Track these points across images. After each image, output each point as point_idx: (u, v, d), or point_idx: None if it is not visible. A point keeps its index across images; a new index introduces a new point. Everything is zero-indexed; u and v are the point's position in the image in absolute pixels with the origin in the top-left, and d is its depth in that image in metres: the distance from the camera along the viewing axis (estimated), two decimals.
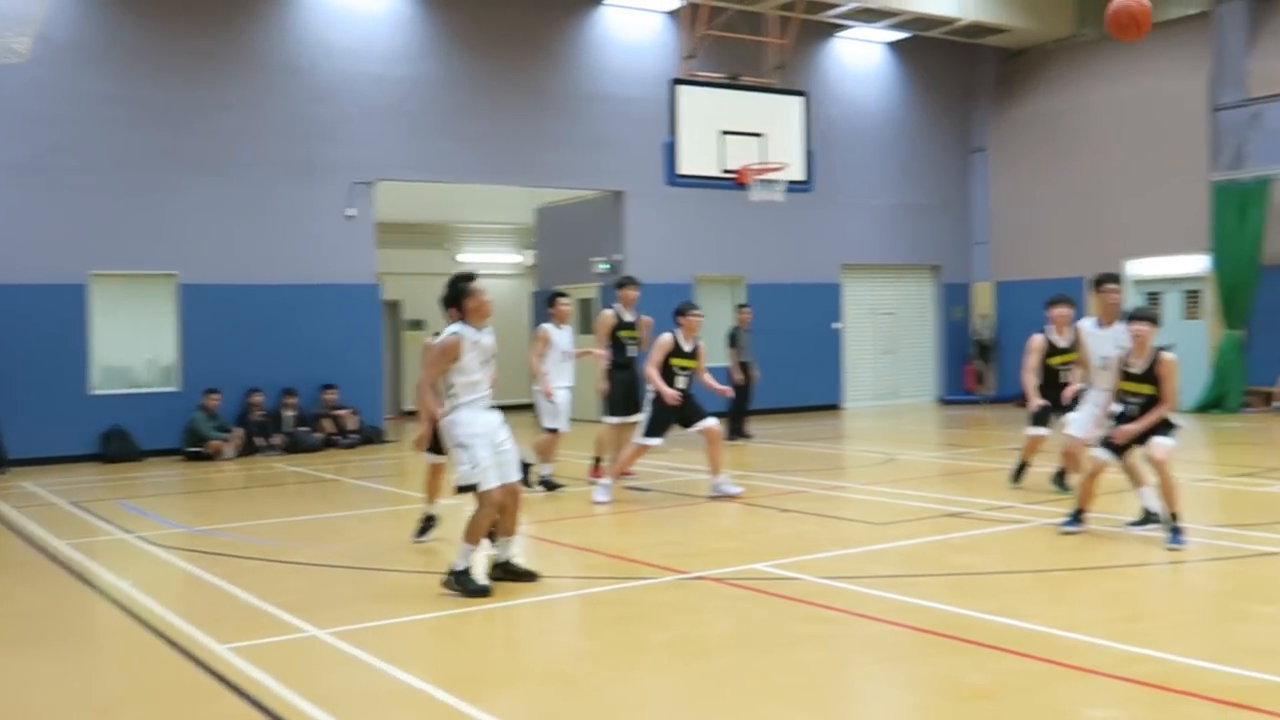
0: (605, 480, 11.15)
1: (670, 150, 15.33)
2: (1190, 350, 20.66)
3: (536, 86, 19.70)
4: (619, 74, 20.40)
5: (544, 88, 19.79)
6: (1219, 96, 20.64)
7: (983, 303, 24.57)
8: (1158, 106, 21.53)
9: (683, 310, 11.30)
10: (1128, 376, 8.49)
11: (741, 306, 17.75)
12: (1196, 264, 20.86)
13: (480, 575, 7.27)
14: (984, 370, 24.41)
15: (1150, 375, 8.37)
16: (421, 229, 24.12)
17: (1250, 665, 5.41)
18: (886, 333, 24.09)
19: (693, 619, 6.75)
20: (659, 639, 6.33)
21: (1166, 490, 8.28)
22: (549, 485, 11.66)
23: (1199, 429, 17.54)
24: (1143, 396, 8.39)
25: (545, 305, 12.32)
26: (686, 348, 11.11)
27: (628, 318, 12.16)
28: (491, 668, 6.01)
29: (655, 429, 11.09)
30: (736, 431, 16.97)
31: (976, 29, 22.40)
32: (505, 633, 6.79)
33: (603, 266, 20.83)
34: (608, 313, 12.36)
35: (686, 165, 15.38)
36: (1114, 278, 10.10)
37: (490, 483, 7.14)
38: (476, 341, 7.28)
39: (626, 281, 12.42)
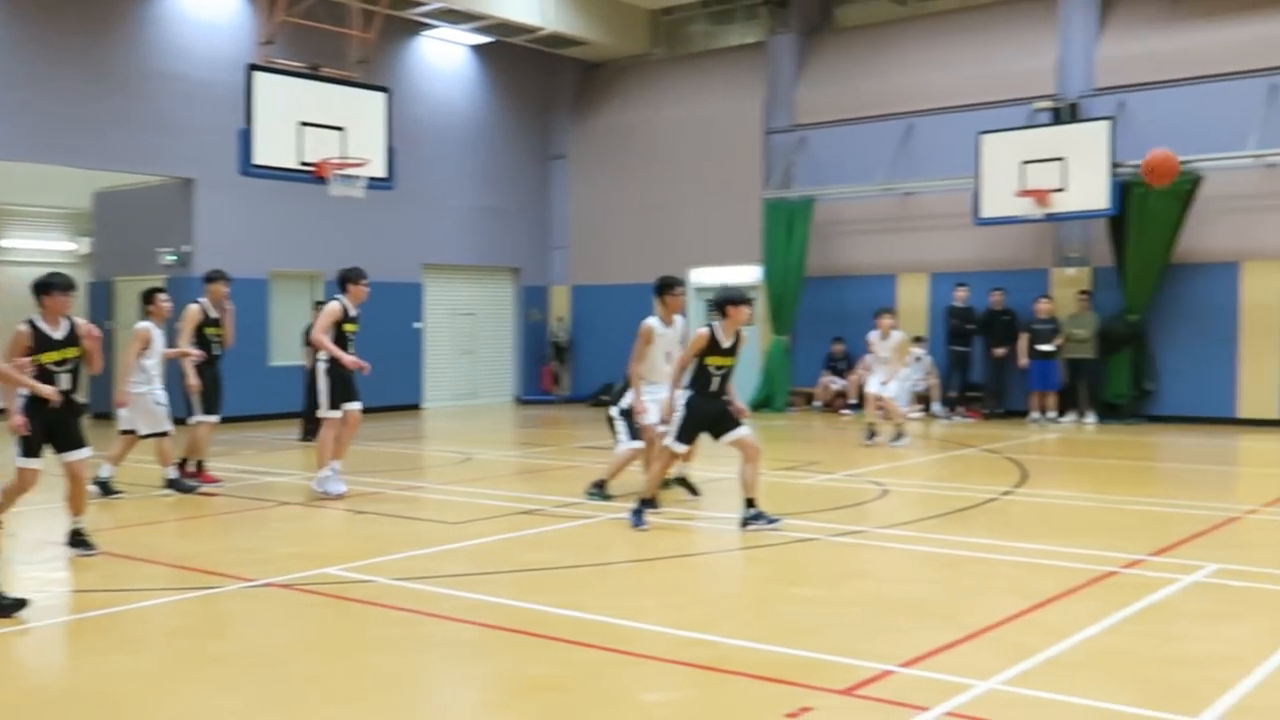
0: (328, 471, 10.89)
1: (245, 138, 14.64)
2: (746, 354, 22.31)
3: (95, 58, 18.18)
4: (190, 54, 19.26)
5: (104, 61, 18.30)
6: (771, 121, 22.47)
7: (560, 306, 25.34)
8: (719, 127, 23.11)
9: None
10: (720, 352, 9.18)
11: (319, 304, 17.27)
12: (750, 274, 22.59)
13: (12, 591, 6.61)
14: (560, 371, 25.18)
15: (735, 348, 9.26)
16: None
17: (790, 643, 5.90)
18: (467, 333, 24.30)
19: (258, 628, 6.49)
20: (220, 651, 6.03)
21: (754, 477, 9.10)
22: (106, 489, 10.82)
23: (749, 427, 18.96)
24: (727, 368, 9.29)
25: (143, 300, 11.41)
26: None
27: (213, 314, 11.78)
28: (23, 696, 5.47)
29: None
30: (314, 432, 16.52)
31: (557, 39, 23.11)
32: (41, 659, 6.22)
33: (170, 258, 19.58)
34: (193, 308, 11.86)
35: (262, 155, 14.75)
36: (680, 282, 10.64)
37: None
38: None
39: (216, 276, 11.94)
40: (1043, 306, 18.72)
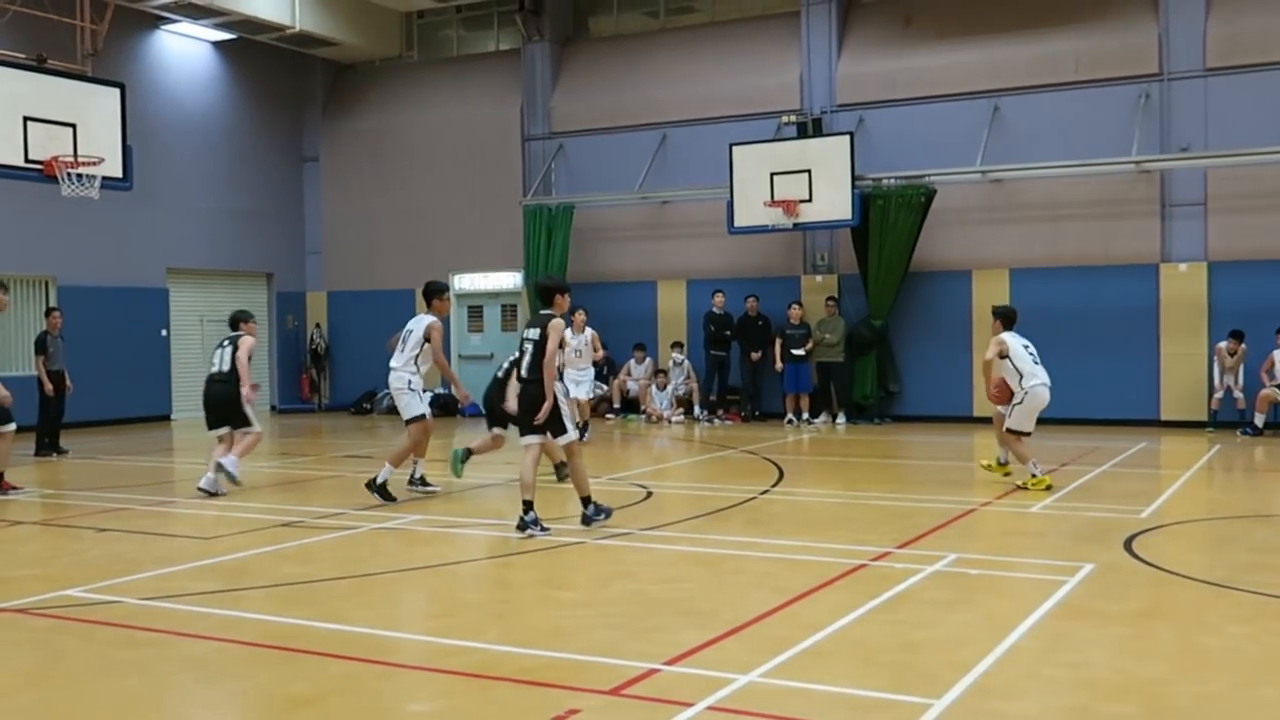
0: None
1: None
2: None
3: None
4: None
5: None
6: (529, 128, 22.55)
7: (317, 312, 24.66)
8: (479, 132, 23.03)
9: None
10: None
11: (51, 310, 16.24)
12: (511, 280, 22.61)
13: None
14: (319, 379, 24.50)
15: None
16: None
17: (555, 647, 5.94)
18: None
19: None
20: None
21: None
22: None
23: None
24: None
25: None
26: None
27: None
28: None
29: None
30: (51, 446, 15.54)
31: (306, 38, 22.47)
32: None
33: None
34: None
35: None
36: (445, 288, 11.31)
37: None
38: None
39: None
40: (794, 312, 19.48)
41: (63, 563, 8.60)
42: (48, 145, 14.27)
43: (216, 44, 22.86)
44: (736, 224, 19.52)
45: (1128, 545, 8.44)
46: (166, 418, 21.71)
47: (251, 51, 23.04)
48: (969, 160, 18.48)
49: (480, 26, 24.45)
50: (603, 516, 9.41)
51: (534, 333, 9.33)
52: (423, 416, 11.19)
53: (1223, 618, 6.46)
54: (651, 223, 21.56)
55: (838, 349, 19.23)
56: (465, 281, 23.27)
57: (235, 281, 23.64)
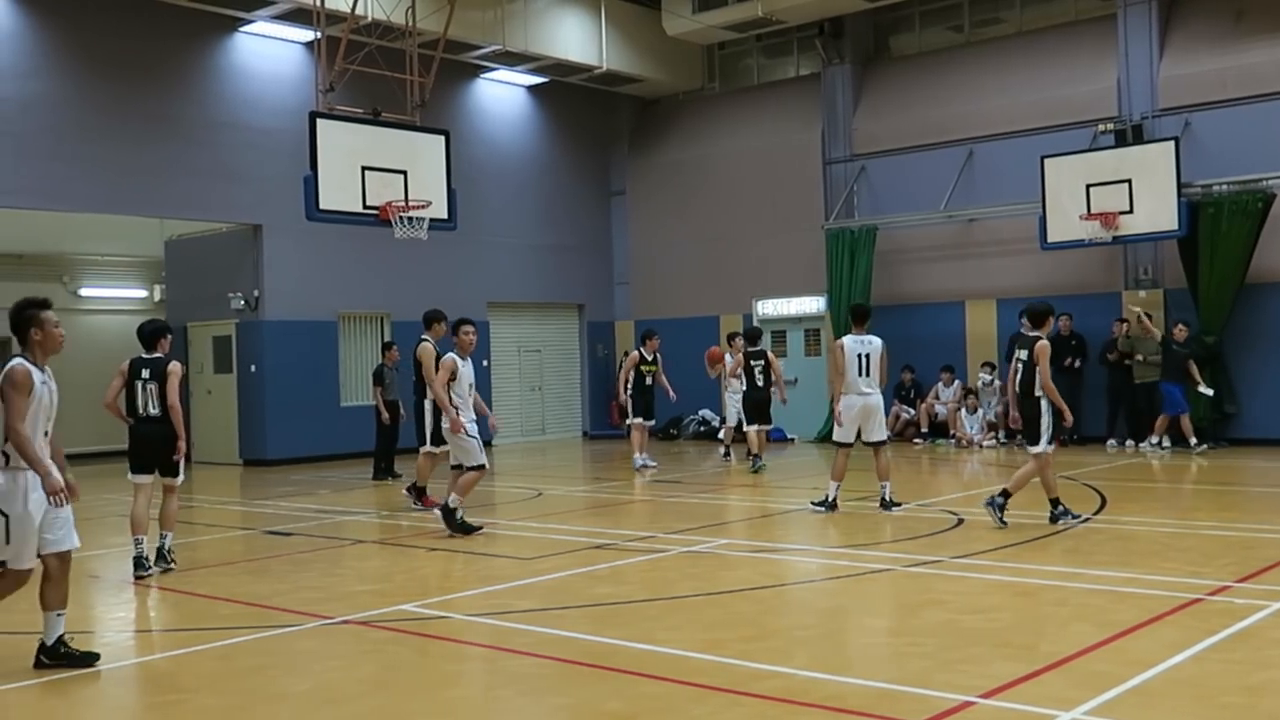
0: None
1: (310, 184, 14.92)
2: (812, 385, 22.24)
3: (164, 111, 18.69)
4: (255, 103, 19.72)
5: (173, 113, 18.80)
6: (830, 151, 22.45)
7: (625, 340, 25.41)
8: (778, 158, 23.13)
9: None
10: None
11: (389, 345, 17.47)
12: (815, 304, 22.53)
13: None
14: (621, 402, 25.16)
15: None
16: (34, 260, 22.30)
17: (865, 675, 5.87)
18: (534, 369, 24.46)
19: (335, 664, 6.55)
20: (300, 688, 6.10)
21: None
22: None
23: (821, 458, 18.85)
24: None
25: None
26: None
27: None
28: None
29: None
30: (386, 470, 16.70)
31: (613, 77, 23.32)
32: (124, 697, 6.32)
33: (240, 303, 20.00)
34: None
35: (327, 200, 15.01)
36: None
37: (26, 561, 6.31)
38: (45, 383, 6.32)
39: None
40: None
41: (398, 579, 9.21)
42: (382, 192, 15.42)
43: (530, 88, 24.06)
44: (1050, 239, 18.69)
45: None
46: (488, 443, 22.87)
47: (562, 93, 24.12)
48: None
49: (780, 53, 24.60)
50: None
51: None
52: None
53: None
54: (958, 241, 20.97)
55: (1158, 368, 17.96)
56: (768, 307, 23.37)
57: (549, 312, 24.73)
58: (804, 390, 22.12)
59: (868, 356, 12.01)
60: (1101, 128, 19.05)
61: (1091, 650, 6.18)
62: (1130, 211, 17.81)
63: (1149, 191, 17.65)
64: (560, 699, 5.80)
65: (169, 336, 9.68)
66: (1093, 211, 18.05)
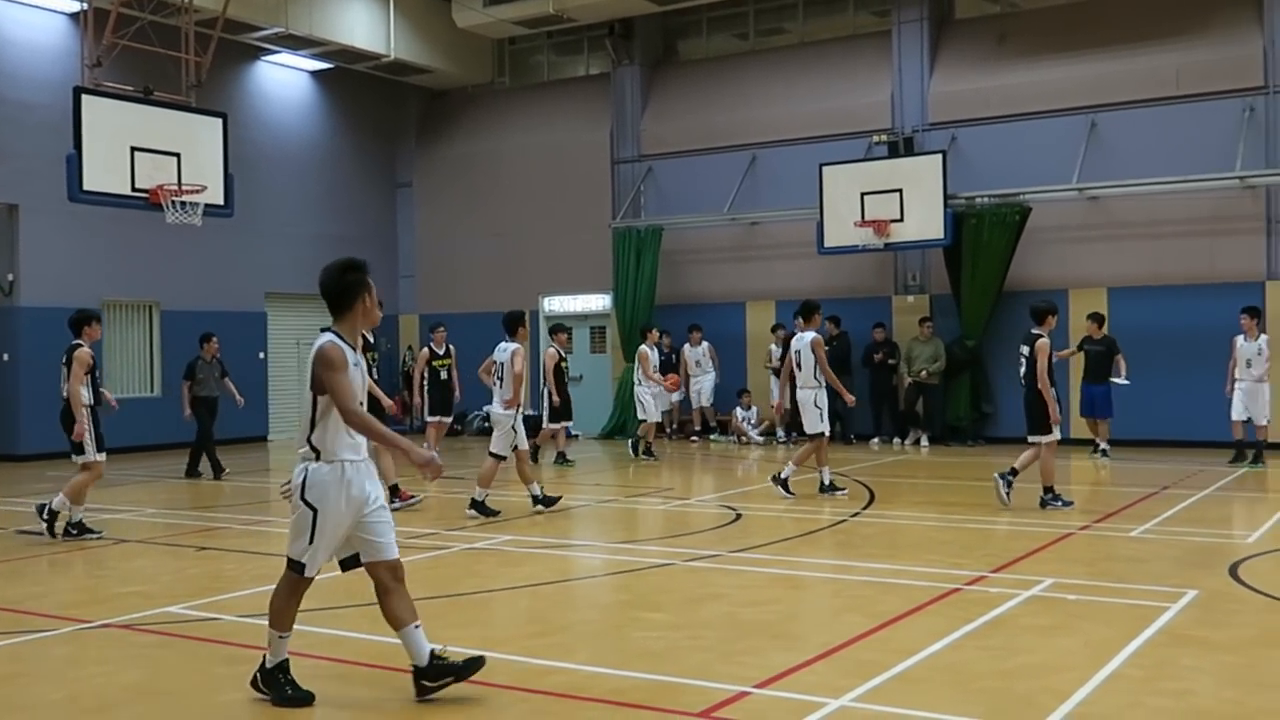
0: None
1: (74, 164, 14.12)
2: (596, 381, 22.45)
3: None
4: (12, 75, 18.51)
5: None
6: (619, 151, 22.69)
7: (410, 335, 25.02)
8: (567, 156, 23.23)
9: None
10: None
11: (207, 337, 16.39)
12: (601, 302, 22.73)
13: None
14: (410, 400, 24.78)
15: None
16: None
17: (646, 668, 5.94)
18: (295, 361, 23.75)
19: (95, 671, 6.21)
20: (55, 696, 5.76)
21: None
22: None
23: (606, 454, 19.03)
24: None
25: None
26: None
27: None
28: None
29: None
30: (215, 467, 15.82)
31: (401, 67, 22.91)
32: None
33: None
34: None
35: (92, 181, 14.25)
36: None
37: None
38: (357, 364, 5.68)
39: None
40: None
41: (165, 580, 8.81)
42: (153, 174, 14.73)
43: (314, 73, 23.40)
44: (826, 244, 19.41)
45: (1233, 571, 8.19)
46: (264, 438, 22.17)
47: (348, 80, 23.55)
48: (1065, 178, 18.15)
49: (570, 51, 24.69)
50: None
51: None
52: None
53: None
54: (740, 244, 21.53)
55: (937, 370, 18.91)
56: (555, 303, 23.45)
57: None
58: (589, 386, 22.29)
59: (799, 352, 12.68)
60: (876, 139, 19.90)
61: (860, 639, 6.45)
62: (901, 220, 18.67)
63: (918, 201, 18.55)
64: (338, 700, 5.66)
65: (91, 324, 10.62)
66: (866, 219, 18.83)
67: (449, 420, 16.67)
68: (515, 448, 11.68)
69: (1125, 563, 8.97)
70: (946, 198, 18.40)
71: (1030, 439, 11.60)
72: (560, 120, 23.66)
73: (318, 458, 5.45)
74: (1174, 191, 17.69)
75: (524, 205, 23.62)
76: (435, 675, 5.48)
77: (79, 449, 10.46)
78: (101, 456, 10.63)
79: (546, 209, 23.34)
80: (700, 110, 22.01)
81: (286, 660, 5.53)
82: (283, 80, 22.93)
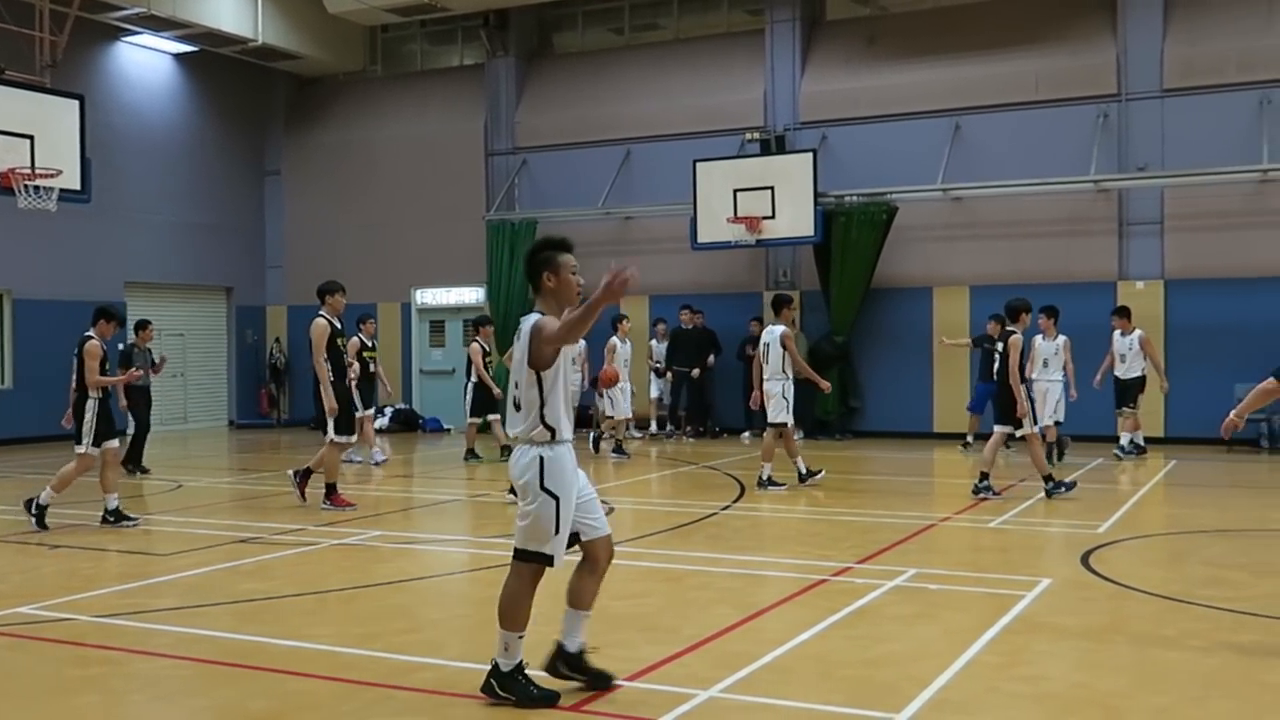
0: None
1: None
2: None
3: None
4: None
5: None
6: (493, 143, 22.54)
7: (277, 326, 24.49)
8: (441, 147, 22.99)
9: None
10: None
11: (143, 324, 15.61)
12: (474, 295, 22.57)
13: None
14: (278, 394, 24.31)
15: None
16: None
17: None
18: (176, 355, 23.07)
19: None
20: None
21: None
22: None
23: (479, 447, 18.88)
24: None
25: None
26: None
27: None
28: None
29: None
30: (135, 463, 15.16)
31: (269, 52, 22.39)
32: None
33: None
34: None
35: None
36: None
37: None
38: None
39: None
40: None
41: (15, 580, 8.46)
42: (4, 157, 14.16)
43: (178, 56, 22.72)
44: (699, 240, 19.58)
45: (1085, 560, 8.52)
46: (123, 432, 21.42)
47: (213, 64, 22.91)
48: (930, 178, 18.64)
49: (444, 41, 24.43)
50: None
51: None
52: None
53: (1179, 631, 6.53)
54: (615, 238, 21.57)
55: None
56: (428, 296, 23.21)
57: (194, 295, 23.46)
58: (462, 380, 22.07)
59: (768, 345, 12.86)
60: (749, 136, 20.14)
61: (730, 631, 6.53)
62: (773, 217, 18.94)
63: (789, 199, 18.83)
64: (200, 701, 5.53)
65: (106, 320, 10.87)
66: (739, 215, 19.05)
67: (370, 412, 15.98)
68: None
69: (984, 553, 9.27)
70: (817, 196, 18.73)
71: (996, 428, 12.02)
72: (434, 111, 23.41)
73: (552, 438, 5.30)
74: (1033, 193, 18.32)
75: (396, 196, 23.31)
76: (573, 666, 5.44)
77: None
78: (95, 450, 10.63)
79: (419, 200, 23.07)
80: (575, 104, 21.99)
81: (523, 661, 5.38)
82: (144, 62, 22.21)
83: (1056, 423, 14.80)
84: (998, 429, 12.00)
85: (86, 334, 10.80)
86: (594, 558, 5.53)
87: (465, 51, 23.97)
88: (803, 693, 5.37)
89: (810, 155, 19.00)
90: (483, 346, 16.24)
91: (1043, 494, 11.76)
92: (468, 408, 16.23)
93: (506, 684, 5.31)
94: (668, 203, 20.31)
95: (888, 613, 7.04)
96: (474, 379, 16.08)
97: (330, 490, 11.37)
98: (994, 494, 11.81)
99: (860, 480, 14.95)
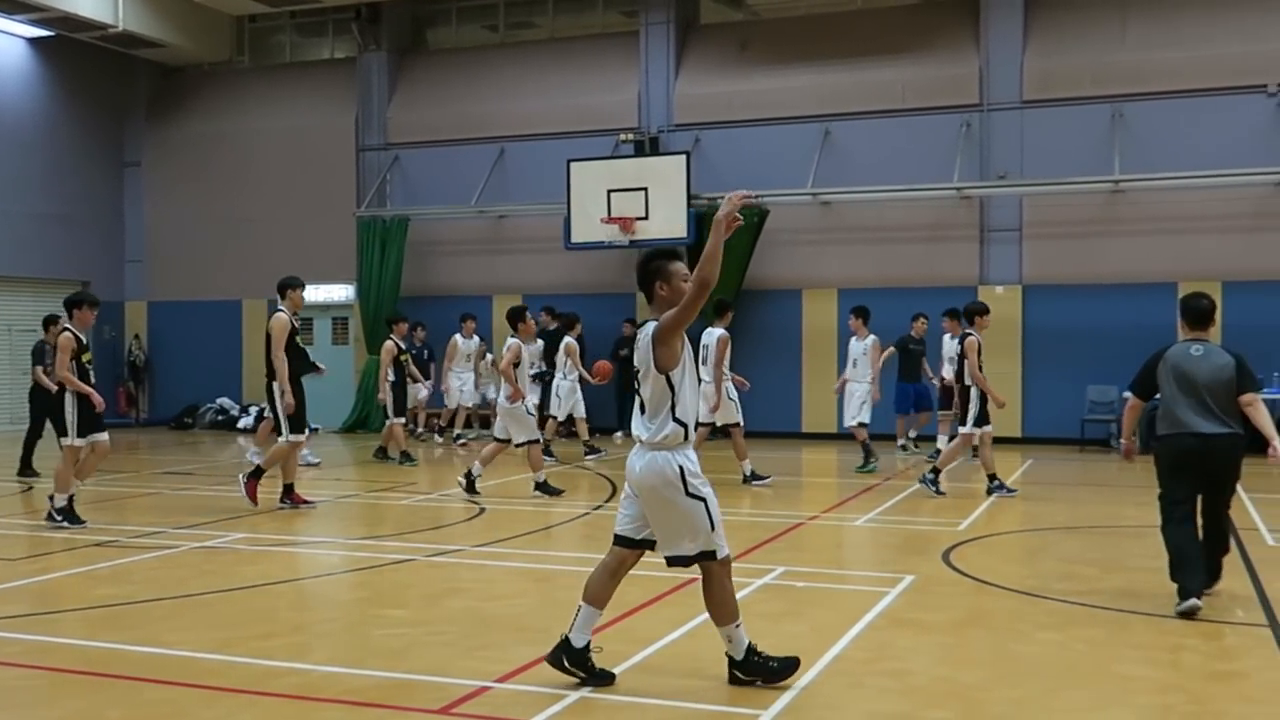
0: None
1: None
2: (339, 374, 21.86)
3: None
4: None
5: None
6: (364, 139, 22.19)
7: (136, 322, 23.72)
8: (310, 141, 22.55)
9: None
10: None
11: (52, 319, 14.65)
12: (344, 293, 22.18)
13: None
14: (137, 393, 23.55)
15: None
16: None
17: (384, 667, 5.84)
18: (27, 351, 22.14)
19: None
20: None
21: None
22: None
23: (346, 448, 18.58)
24: None
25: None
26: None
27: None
28: None
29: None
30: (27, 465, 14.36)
31: (130, 39, 21.65)
32: None
33: None
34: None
35: None
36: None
37: None
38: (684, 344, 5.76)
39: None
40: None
41: None
42: None
43: (33, 41, 21.82)
44: (573, 240, 19.58)
45: (946, 557, 8.75)
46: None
47: (70, 50, 22.07)
48: (801, 182, 18.94)
49: (314, 33, 23.96)
50: None
51: None
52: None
53: (1034, 625, 6.76)
54: (488, 237, 21.46)
55: None
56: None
57: (46, 289, 22.54)
58: (330, 379, 21.66)
59: (707, 347, 13.04)
60: (623, 137, 20.21)
61: (601, 630, 6.52)
62: (646, 218, 19.04)
63: (663, 200, 18.96)
64: (52, 711, 5.32)
65: (79, 308, 10.43)
66: (613, 216, 19.11)
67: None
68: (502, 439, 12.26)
69: (850, 550, 9.47)
70: (690, 197, 18.88)
71: (960, 430, 12.28)
72: (303, 104, 22.95)
73: (684, 437, 5.43)
74: (899, 199, 18.77)
75: (264, 191, 22.78)
76: (575, 661, 5.48)
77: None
78: (81, 442, 10.31)
79: (287, 195, 22.59)
80: (449, 101, 21.79)
81: (750, 642, 5.53)
82: None
83: (861, 424, 14.90)
84: (978, 431, 12.21)
85: (63, 326, 10.64)
86: (623, 561, 5.65)
87: (336, 44, 23.55)
88: (674, 692, 5.41)
89: (684, 157, 19.15)
90: (397, 344, 15.90)
91: (911, 490, 12.05)
92: (390, 408, 15.78)
93: (746, 668, 5.46)
94: (542, 202, 20.26)
95: (756, 610, 7.12)
96: (393, 378, 15.75)
97: (288, 490, 11.28)
98: (1008, 491, 12.08)
99: (730, 479, 15.12)
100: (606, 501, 11.94)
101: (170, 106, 23.92)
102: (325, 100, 22.76)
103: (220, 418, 22.30)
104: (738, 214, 5.39)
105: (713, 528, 5.41)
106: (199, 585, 7.91)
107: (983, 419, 12.08)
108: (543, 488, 12.12)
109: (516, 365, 12.18)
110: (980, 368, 12.14)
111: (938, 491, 11.99)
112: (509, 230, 21.25)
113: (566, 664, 5.48)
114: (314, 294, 22.44)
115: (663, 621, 6.73)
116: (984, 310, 12.50)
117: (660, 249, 5.86)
